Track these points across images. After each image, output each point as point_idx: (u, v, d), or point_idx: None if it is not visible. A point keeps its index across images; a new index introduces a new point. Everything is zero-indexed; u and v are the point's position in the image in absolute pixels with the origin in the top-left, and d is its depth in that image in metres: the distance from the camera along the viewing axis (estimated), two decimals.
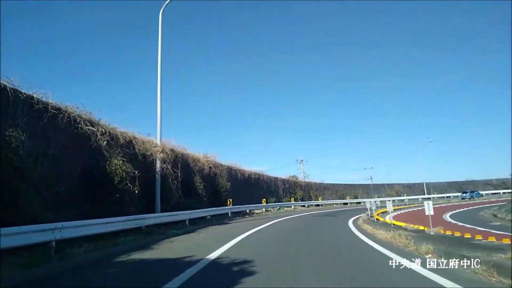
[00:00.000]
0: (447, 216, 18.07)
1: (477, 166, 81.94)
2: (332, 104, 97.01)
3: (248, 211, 22.41)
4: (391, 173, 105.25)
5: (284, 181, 34.02)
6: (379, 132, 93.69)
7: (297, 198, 34.79)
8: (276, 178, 32.68)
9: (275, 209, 27.84)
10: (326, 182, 42.92)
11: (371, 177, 58.14)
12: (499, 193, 50.00)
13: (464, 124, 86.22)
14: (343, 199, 43.21)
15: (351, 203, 42.46)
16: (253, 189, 27.16)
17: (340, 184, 44.88)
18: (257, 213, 23.80)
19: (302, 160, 52.83)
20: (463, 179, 52.88)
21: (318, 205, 37.00)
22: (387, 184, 49.87)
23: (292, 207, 31.71)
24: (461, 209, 23.91)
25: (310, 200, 37.46)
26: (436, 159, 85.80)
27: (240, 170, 24.39)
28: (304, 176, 47.83)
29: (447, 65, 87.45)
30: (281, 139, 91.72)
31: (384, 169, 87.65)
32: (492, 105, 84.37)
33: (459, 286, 3.73)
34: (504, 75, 78.14)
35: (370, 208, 15.35)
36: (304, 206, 34.63)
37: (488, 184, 52.22)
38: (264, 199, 26.06)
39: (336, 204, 40.27)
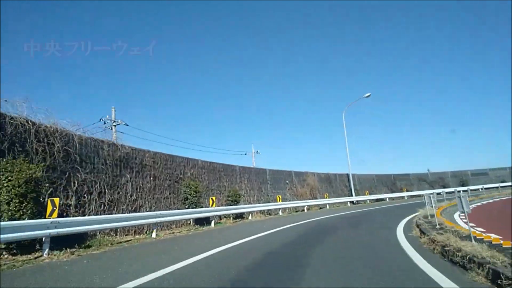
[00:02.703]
0: None
1: (406, 160, 68.72)
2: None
3: None
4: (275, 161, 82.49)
5: None
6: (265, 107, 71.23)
7: None
8: None
9: None
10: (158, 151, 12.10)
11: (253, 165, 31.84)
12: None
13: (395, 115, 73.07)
14: (196, 205, 13.40)
15: (222, 216, 13.32)
16: None
17: (208, 165, 15.06)
18: None
19: (114, 122, 23.48)
20: (395, 173, 33.64)
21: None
22: (295, 173, 24.11)
23: None
24: None
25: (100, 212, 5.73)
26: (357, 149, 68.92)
27: None
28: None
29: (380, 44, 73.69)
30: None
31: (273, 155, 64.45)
32: (426, 98, 73.18)
33: None
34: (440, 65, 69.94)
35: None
36: None
37: (423, 180, 34.84)
38: None
39: (186, 222, 10.03)
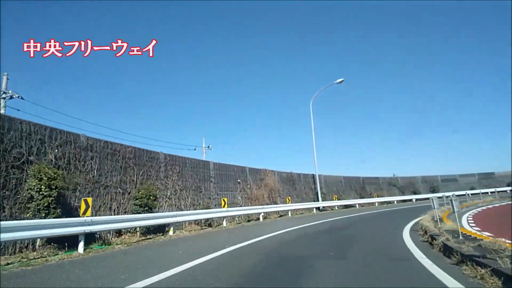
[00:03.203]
0: None
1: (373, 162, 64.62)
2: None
3: None
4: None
5: None
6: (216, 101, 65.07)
7: None
8: None
9: None
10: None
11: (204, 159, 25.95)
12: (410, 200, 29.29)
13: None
14: (50, 212, 7.40)
15: (125, 230, 7.42)
16: None
17: (101, 145, 9.12)
18: None
19: (4, 93, 16.01)
20: (365, 175, 29.91)
21: None
22: (250, 169, 18.86)
23: None
24: None
25: None
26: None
27: None
28: None
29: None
30: None
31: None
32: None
33: None
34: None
35: None
36: None
37: (393, 185, 31.63)
38: None
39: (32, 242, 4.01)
